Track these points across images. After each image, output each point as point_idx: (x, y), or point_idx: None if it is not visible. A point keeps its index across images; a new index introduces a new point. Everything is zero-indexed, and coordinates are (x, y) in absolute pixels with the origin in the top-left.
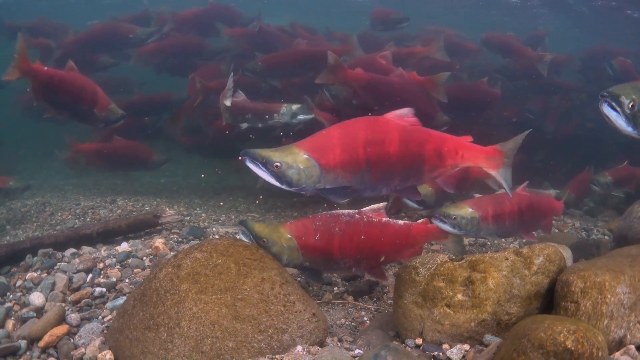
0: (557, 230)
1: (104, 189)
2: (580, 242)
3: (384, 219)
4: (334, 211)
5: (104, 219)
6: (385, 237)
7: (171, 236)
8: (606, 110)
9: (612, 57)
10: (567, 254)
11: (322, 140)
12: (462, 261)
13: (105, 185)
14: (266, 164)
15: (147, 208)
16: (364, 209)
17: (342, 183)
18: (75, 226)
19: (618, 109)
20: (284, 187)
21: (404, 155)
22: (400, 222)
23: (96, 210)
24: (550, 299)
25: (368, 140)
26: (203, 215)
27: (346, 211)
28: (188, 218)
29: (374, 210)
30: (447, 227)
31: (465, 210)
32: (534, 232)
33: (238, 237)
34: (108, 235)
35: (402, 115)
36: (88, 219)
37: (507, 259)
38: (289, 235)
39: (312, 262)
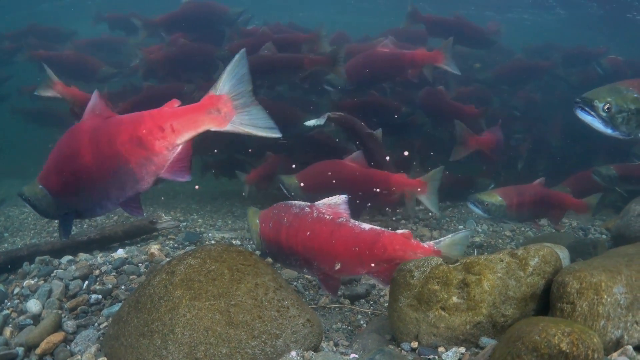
0: (554, 230)
1: None
2: (577, 241)
3: (340, 218)
4: (289, 201)
5: (100, 226)
6: (339, 240)
7: (167, 242)
8: (581, 115)
9: (591, 57)
10: (563, 254)
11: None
12: (457, 264)
13: None
14: None
15: (143, 214)
16: (317, 202)
17: None
18: (72, 233)
19: (593, 113)
20: None
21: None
22: (366, 226)
23: None
24: (547, 300)
25: None
26: (200, 220)
27: (298, 202)
28: (184, 224)
29: (329, 205)
30: (478, 212)
31: (496, 198)
32: (541, 220)
33: (234, 242)
34: (104, 242)
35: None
36: (85, 226)
37: (502, 261)
38: (257, 221)
39: (270, 251)
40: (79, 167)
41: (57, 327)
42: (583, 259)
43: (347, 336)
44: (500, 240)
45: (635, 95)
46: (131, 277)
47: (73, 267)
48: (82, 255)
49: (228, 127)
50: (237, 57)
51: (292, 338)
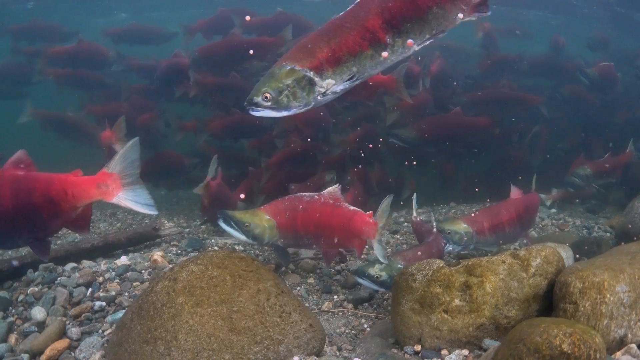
0: (557, 230)
1: (103, 203)
2: (581, 240)
3: (337, 202)
4: (298, 193)
5: (103, 233)
6: (335, 218)
7: (170, 249)
8: (256, 114)
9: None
10: (567, 253)
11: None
12: (459, 266)
13: None
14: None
15: (146, 221)
16: (323, 192)
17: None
18: (75, 240)
19: (260, 108)
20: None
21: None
22: (351, 207)
23: (96, 224)
24: (550, 301)
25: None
26: (202, 227)
27: (307, 193)
28: (187, 230)
29: (330, 193)
30: (446, 242)
31: (459, 226)
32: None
33: (237, 248)
34: (107, 249)
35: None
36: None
37: (503, 262)
38: (267, 217)
39: (285, 238)
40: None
41: (62, 334)
42: (587, 258)
43: (350, 340)
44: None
45: (288, 67)
46: (134, 283)
47: (77, 274)
48: (86, 263)
49: (113, 200)
50: (130, 143)
51: (294, 343)
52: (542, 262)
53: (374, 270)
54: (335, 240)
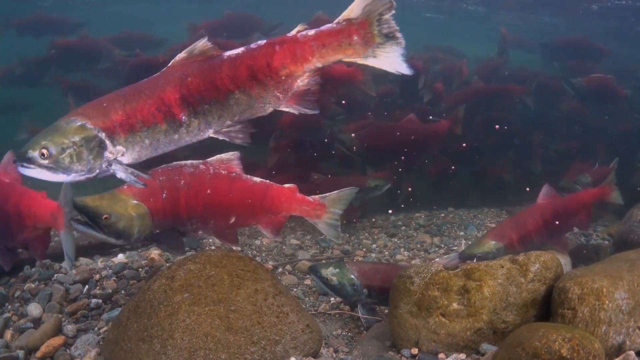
0: None
1: None
2: (579, 247)
3: (234, 173)
4: (177, 162)
5: None
6: (235, 193)
7: None
8: (26, 172)
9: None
10: (565, 260)
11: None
12: (457, 270)
13: None
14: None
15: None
16: (210, 159)
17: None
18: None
19: (33, 166)
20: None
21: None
22: (257, 179)
23: None
24: (548, 307)
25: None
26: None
27: (189, 162)
28: None
29: (222, 160)
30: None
31: (489, 245)
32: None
33: (234, 247)
34: (105, 247)
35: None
36: None
37: (502, 267)
38: (134, 201)
39: (162, 227)
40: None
41: (57, 330)
42: (585, 265)
43: (347, 342)
44: None
45: (78, 123)
46: (131, 281)
47: (73, 271)
48: (83, 260)
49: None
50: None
51: (291, 344)
52: (541, 267)
53: (326, 272)
54: (232, 220)
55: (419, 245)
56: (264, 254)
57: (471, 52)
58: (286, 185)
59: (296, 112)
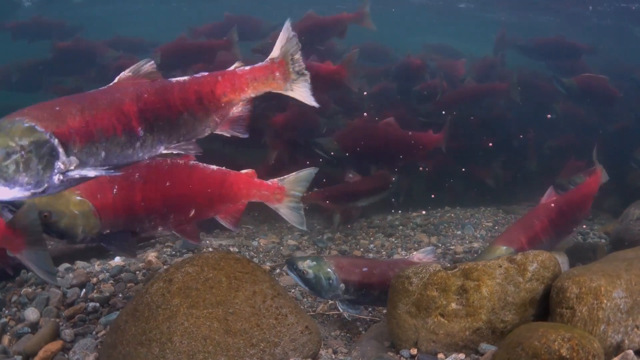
0: None
1: None
2: (576, 246)
3: (192, 162)
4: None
5: None
6: (194, 184)
7: (164, 249)
8: None
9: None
10: (562, 259)
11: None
12: (455, 270)
13: None
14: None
15: None
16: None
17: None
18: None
19: None
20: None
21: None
22: (213, 167)
23: None
24: (546, 306)
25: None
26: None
27: None
28: None
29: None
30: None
31: (501, 251)
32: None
33: (232, 249)
34: (101, 250)
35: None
36: None
37: (500, 267)
38: (78, 198)
39: (113, 226)
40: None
41: (55, 335)
42: (582, 264)
43: (346, 343)
44: None
45: (26, 124)
46: (129, 284)
47: (70, 274)
48: (80, 263)
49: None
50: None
51: (290, 346)
52: (539, 266)
53: (303, 265)
54: (192, 213)
55: (416, 245)
56: (261, 255)
57: (467, 50)
58: (244, 171)
59: (228, 135)
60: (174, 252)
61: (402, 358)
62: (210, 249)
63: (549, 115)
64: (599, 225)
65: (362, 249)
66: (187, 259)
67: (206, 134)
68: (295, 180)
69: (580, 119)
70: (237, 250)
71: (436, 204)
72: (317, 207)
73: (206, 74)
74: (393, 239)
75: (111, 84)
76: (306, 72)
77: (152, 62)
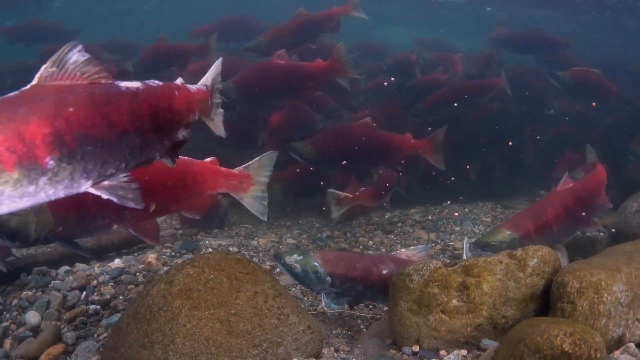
0: None
1: None
2: (575, 240)
3: None
4: None
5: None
6: (153, 176)
7: (164, 251)
8: None
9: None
10: (562, 253)
11: None
12: (456, 266)
13: None
14: None
15: None
16: None
17: None
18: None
19: None
20: None
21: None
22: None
23: None
24: (547, 301)
25: None
26: (196, 228)
27: None
28: (181, 231)
29: None
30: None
31: (504, 235)
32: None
33: (231, 249)
34: (101, 252)
35: None
36: None
37: (500, 262)
38: None
39: (66, 225)
40: None
41: (57, 338)
42: (582, 258)
43: (347, 341)
44: None
45: None
46: (129, 286)
47: (70, 277)
48: (80, 266)
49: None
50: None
51: (293, 345)
52: (539, 262)
53: (290, 259)
54: (152, 208)
55: (415, 242)
56: (261, 254)
57: (461, 45)
58: (207, 159)
59: (169, 165)
60: (173, 253)
61: (404, 355)
62: (210, 250)
63: (548, 112)
64: (597, 218)
65: (361, 247)
66: (187, 261)
67: (149, 165)
68: (259, 166)
69: (575, 112)
70: (236, 250)
71: (434, 200)
72: (322, 205)
73: (160, 83)
74: (392, 236)
75: (26, 87)
76: (220, 107)
77: (80, 46)
